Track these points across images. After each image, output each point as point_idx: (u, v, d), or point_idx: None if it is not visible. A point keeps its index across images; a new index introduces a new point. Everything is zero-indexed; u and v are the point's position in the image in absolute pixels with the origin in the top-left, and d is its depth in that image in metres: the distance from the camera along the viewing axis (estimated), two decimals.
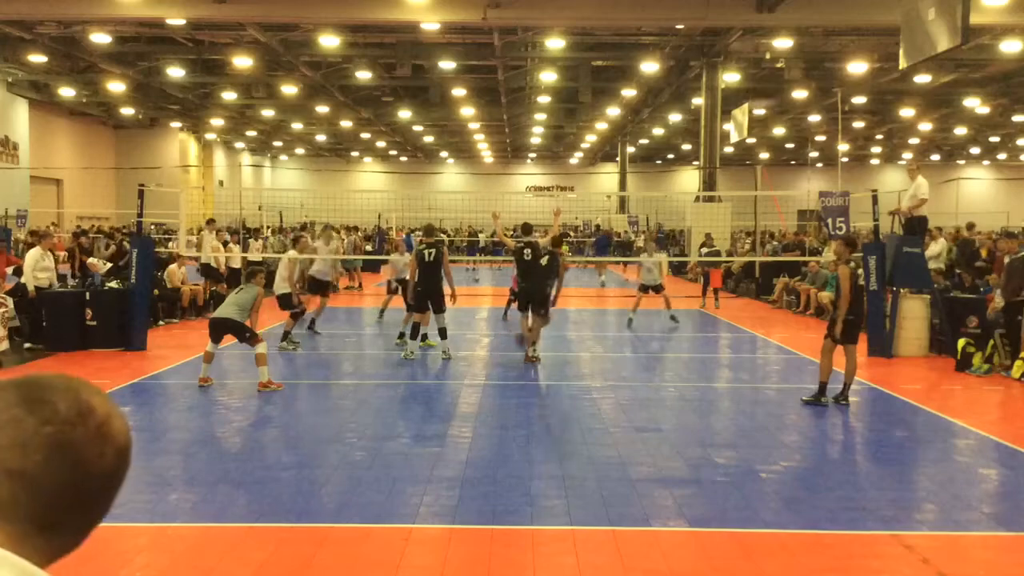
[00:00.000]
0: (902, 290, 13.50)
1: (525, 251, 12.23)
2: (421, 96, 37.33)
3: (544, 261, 12.09)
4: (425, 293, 12.30)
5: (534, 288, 12.09)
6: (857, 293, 9.75)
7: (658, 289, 16.97)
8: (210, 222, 20.87)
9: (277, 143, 55.71)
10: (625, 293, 16.49)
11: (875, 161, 59.48)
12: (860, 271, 9.82)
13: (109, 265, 17.84)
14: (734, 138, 31.60)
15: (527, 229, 13.18)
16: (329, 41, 25.23)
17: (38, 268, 13.23)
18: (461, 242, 41.82)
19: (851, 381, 9.78)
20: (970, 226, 21.36)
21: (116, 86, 32.84)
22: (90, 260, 17.81)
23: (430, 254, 12.29)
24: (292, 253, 14.21)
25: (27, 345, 12.98)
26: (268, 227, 33.07)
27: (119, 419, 1.17)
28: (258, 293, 10.40)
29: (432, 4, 19.54)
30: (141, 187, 14.34)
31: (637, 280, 17.63)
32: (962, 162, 58.32)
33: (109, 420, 1.14)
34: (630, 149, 51.18)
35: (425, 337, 13.06)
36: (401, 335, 13.54)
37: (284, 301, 13.82)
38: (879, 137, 48.83)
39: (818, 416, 9.31)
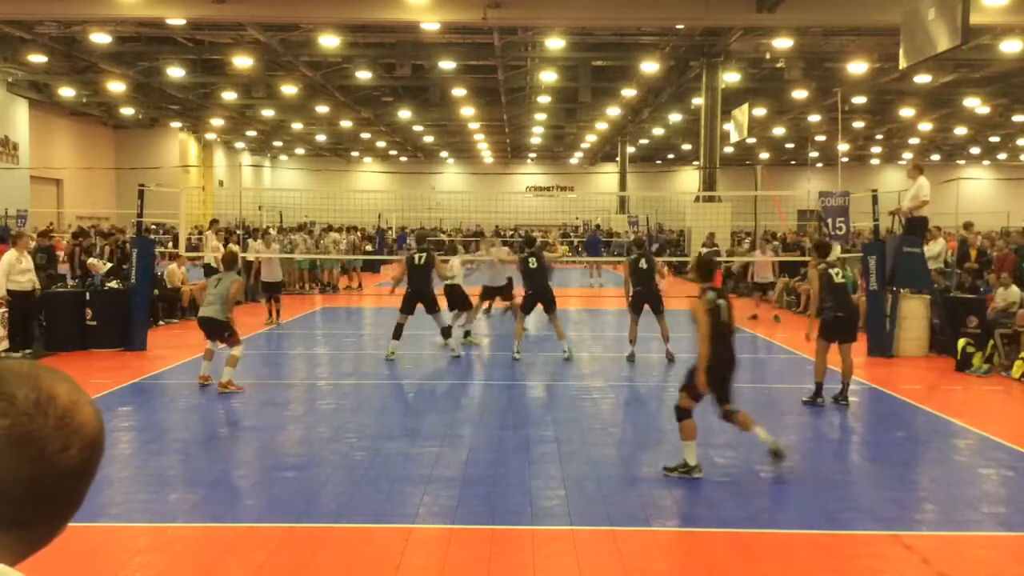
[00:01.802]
0: (902, 290, 13.49)
1: (530, 260, 12.71)
2: (421, 96, 37.32)
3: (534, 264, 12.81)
4: (416, 295, 12.45)
5: (541, 291, 12.60)
6: (840, 292, 9.64)
7: (765, 289, 17.96)
8: (213, 223, 20.91)
9: (277, 143, 55.70)
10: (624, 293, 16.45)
11: (875, 161, 59.47)
12: (835, 271, 9.69)
13: (109, 265, 17.85)
14: (734, 138, 31.58)
15: (530, 241, 13.66)
16: (329, 41, 25.21)
17: (15, 272, 12.41)
18: (461, 243, 41.74)
19: (849, 380, 9.76)
20: (967, 225, 21.34)
21: (116, 86, 32.82)
22: (90, 260, 17.79)
23: (420, 258, 12.57)
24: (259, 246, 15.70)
25: (3, 347, 12.25)
26: (268, 227, 33.02)
27: (86, 408, 1.07)
28: (234, 280, 10.20)
29: (432, 4, 19.53)
30: (141, 187, 14.34)
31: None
32: (962, 162, 58.30)
33: (74, 409, 1.05)
34: (630, 149, 51.14)
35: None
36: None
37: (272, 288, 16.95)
38: (879, 137, 48.82)
39: (818, 416, 9.31)
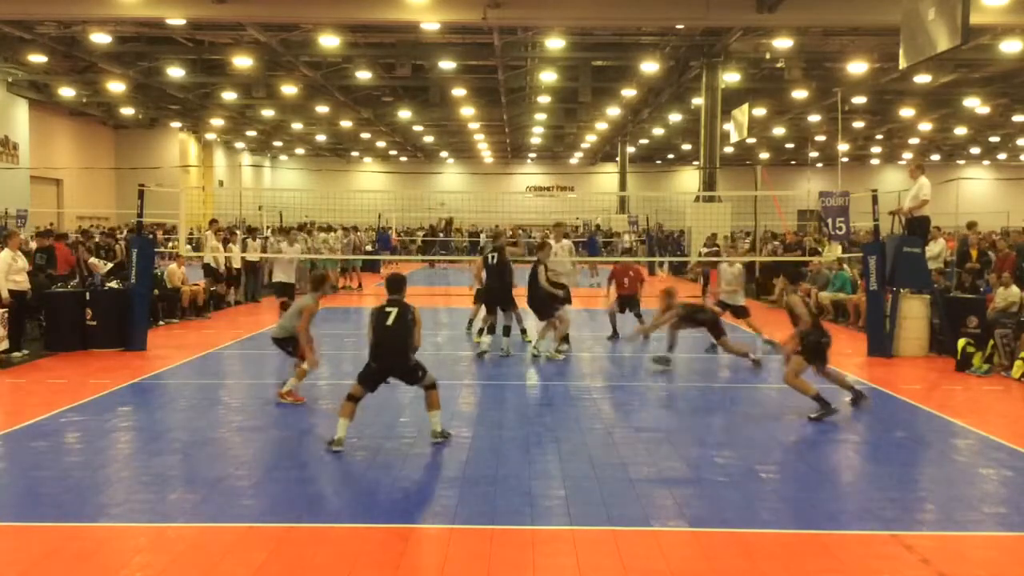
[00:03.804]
0: (902, 290, 13.49)
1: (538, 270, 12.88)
2: (421, 96, 37.32)
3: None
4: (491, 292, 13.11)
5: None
6: (815, 318, 9.59)
7: (739, 312, 14.14)
8: (212, 222, 20.89)
9: (277, 143, 55.69)
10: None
11: (875, 161, 59.48)
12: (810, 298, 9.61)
13: (109, 265, 17.85)
14: (734, 138, 31.60)
15: (530, 249, 14.15)
16: (329, 41, 25.22)
17: (13, 271, 12.19)
18: (461, 242, 41.80)
19: (849, 384, 9.71)
20: (970, 225, 21.32)
21: (116, 86, 32.83)
22: (91, 260, 17.78)
23: (493, 258, 13.13)
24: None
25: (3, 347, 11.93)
26: (268, 227, 33.04)
27: None
28: (304, 306, 9.89)
29: (432, 4, 19.53)
30: (141, 187, 14.33)
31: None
32: (962, 162, 58.32)
33: None
34: (630, 149, 51.14)
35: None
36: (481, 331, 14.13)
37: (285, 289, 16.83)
38: (879, 137, 48.83)
39: None
